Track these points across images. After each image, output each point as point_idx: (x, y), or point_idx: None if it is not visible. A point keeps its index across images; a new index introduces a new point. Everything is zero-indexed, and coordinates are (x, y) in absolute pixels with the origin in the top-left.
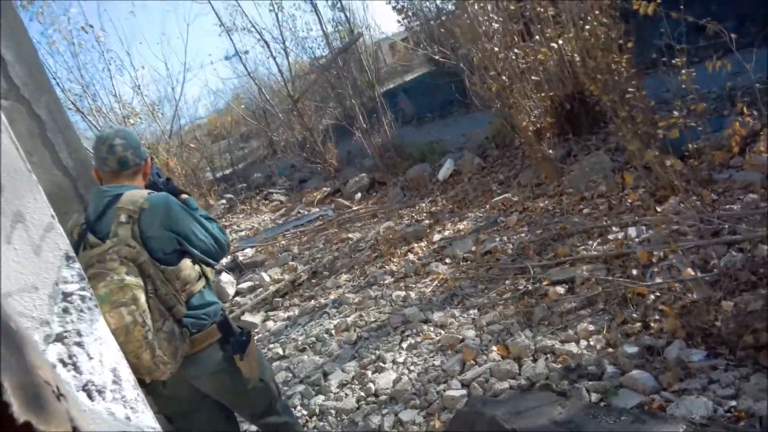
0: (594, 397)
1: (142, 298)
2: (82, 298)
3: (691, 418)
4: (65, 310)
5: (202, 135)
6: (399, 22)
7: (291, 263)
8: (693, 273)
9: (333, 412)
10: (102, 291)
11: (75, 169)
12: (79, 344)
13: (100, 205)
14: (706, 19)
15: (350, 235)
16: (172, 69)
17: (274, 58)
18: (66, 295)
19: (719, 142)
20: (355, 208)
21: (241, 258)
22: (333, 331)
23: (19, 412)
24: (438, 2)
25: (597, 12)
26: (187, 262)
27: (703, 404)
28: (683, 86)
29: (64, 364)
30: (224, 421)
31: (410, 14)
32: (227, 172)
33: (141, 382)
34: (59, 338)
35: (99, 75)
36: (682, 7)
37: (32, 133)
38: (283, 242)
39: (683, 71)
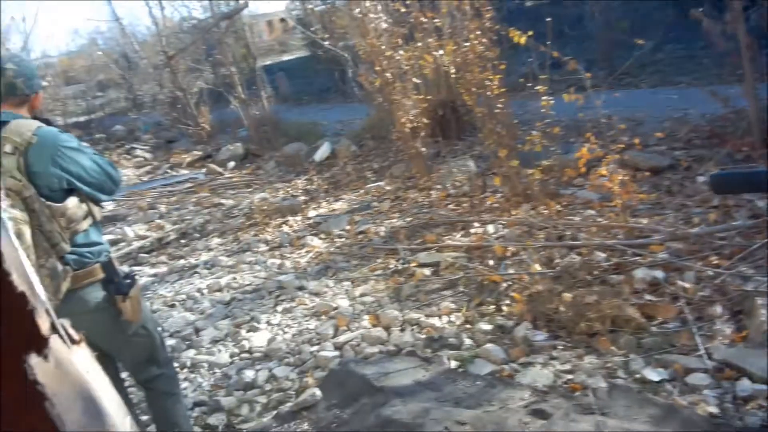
0: (453, 364)
1: (27, 233)
2: None
3: (535, 385)
4: None
5: (53, 75)
6: None
7: (158, 221)
8: (539, 268)
9: (206, 365)
10: None
11: None
12: None
13: None
14: (568, 56)
15: (223, 201)
16: None
17: (150, 10)
18: None
19: (566, 162)
20: (228, 175)
21: None
22: (205, 291)
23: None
24: None
25: (478, 32)
26: (73, 200)
27: (545, 375)
28: (542, 110)
29: None
30: (100, 364)
31: None
32: (81, 119)
33: None
34: None
35: None
36: (549, 42)
37: None
38: (148, 200)
39: (544, 98)
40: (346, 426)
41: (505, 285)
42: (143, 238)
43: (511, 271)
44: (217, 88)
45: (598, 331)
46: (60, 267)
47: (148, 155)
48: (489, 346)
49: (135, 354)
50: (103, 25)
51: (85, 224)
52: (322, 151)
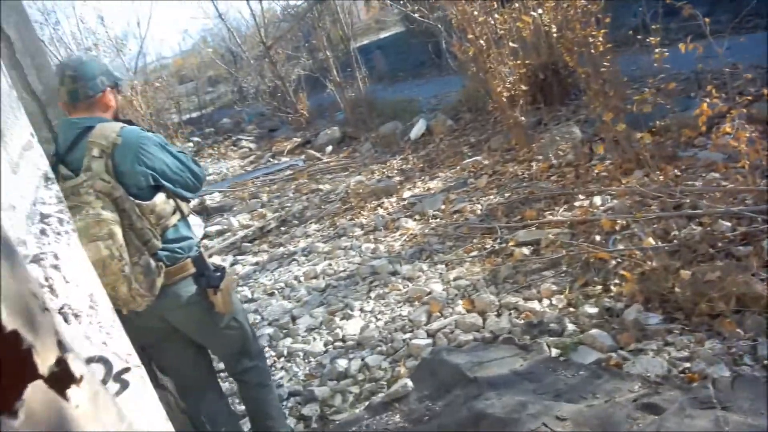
0: (554, 352)
1: (119, 233)
2: (60, 221)
3: (646, 376)
4: (42, 232)
5: (168, 75)
6: None
7: (260, 210)
8: (653, 242)
9: (301, 354)
10: (79, 224)
11: (44, 94)
12: (56, 267)
13: (69, 136)
14: (682, 1)
15: (320, 187)
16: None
17: (248, 2)
18: (43, 216)
19: (685, 121)
20: (325, 160)
21: (209, 202)
22: (302, 278)
23: (7, 320)
24: None
25: None
26: (161, 197)
27: (658, 364)
28: (655, 65)
29: (41, 287)
30: (194, 356)
31: None
32: (194, 115)
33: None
34: (36, 260)
35: (61, 2)
36: None
37: (2, 53)
38: (252, 189)
39: (657, 50)
40: (437, 419)
41: (613, 263)
42: (246, 227)
43: (620, 246)
44: (313, 73)
45: (721, 311)
46: (153, 264)
47: (252, 145)
48: (594, 331)
49: (227, 346)
50: (211, 22)
51: (174, 219)
52: (417, 129)
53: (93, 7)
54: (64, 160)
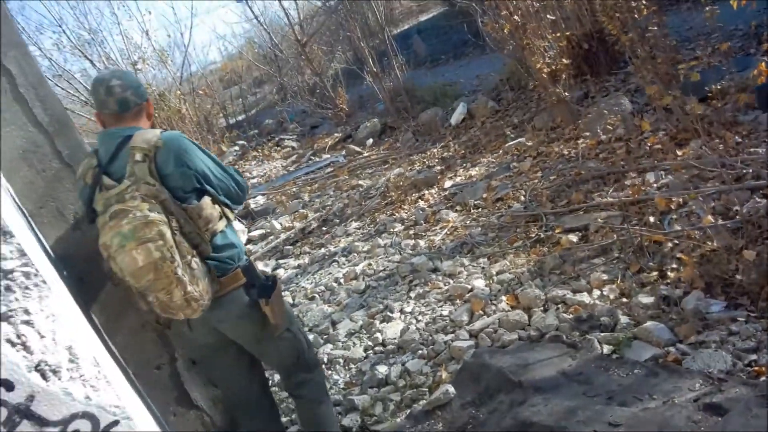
0: (606, 349)
1: (168, 233)
2: (26, 275)
3: (708, 372)
4: (8, 288)
5: (213, 81)
6: None
7: (301, 211)
8: (713, 220)
9: (341, 361)
10: (126, 228)
11: (51, 125)
12: (28, 323)
13: (111, 147)
14: None
15: (361, 182)
16: (180, 14)
17: (280, 2)
18: (6, 273)
19: (744, 82)
20: (366, 154)
21: (253, 206)
22: (342, 280)
23: None
24: None
25: None
26: (207, 201)
27: (722, 358)
28: (707, 24)
29: (13, 344)
30: (248, 370)
31: None
32: (240, 118)
33: (164, 324)
34: (5, 318)
35: (106, 21)
36: None
37: (2, 88)
38: (294, 189)
39: (707, 8)
40: (482, 427)
41: (669, 245)
42: (289, 229)
43: (677, 227)
44: (350, 66)
45: None
46: (205, 267)
47: (294, 144)
48: (650, 324)
49: (283, 357)
50: (248, 25)
51: (221, 225)
52: (458, 114)
53: (138, 22)
54: (107, 171)
